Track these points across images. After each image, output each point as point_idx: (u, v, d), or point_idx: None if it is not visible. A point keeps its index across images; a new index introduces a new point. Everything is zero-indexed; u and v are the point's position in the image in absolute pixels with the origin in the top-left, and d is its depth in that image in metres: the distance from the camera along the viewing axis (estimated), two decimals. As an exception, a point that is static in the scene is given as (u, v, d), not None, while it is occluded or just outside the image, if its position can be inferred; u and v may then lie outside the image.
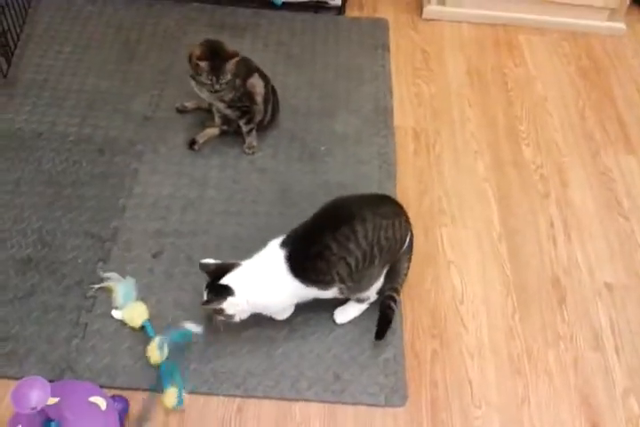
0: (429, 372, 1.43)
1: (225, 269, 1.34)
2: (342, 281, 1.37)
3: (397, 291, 1.49)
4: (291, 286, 1.34)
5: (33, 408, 1.10)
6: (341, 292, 1.41)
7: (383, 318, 1.45)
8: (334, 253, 1.32)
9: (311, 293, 1.38)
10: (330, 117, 1.97)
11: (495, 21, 2.36)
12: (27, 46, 2.10)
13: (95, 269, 1.54)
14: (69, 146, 1.80)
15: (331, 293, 1.40)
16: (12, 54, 2.03)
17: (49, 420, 1.19)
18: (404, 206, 1.48)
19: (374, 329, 1.45)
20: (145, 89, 1.99)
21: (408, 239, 1.45)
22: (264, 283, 1.34)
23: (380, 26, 2.31)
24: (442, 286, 1.59)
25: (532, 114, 2.06)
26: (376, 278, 1.43)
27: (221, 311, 1.32)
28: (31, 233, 1.60)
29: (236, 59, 1.63)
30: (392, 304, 1.47)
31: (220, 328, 1.39)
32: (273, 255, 1.35)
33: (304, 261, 1.34)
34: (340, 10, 2.34)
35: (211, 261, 1.37)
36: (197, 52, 1.62)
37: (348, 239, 1.32)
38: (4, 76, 1.98)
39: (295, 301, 1.42)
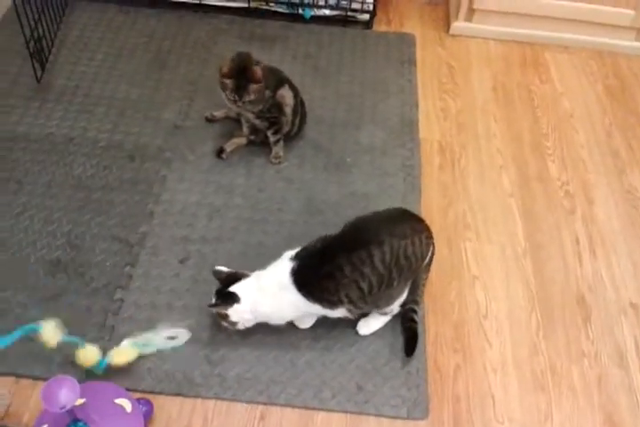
0: (452, 386, 1.44)
1: (236, 277, 1.39)
2: (351, 303, 1.37)
3: (417, 302, 1.51)
4: (293, 299, 1.36)
5: (62, 407, 1.12)
6: (350, 312, 1.41)
7: (409, 332, 1.47)
8: (346, 275, 1.32)
9: (316, 309, 1.39)
10: (355, 129, 2.00)
11: (522, 39, 2.40)
12: (60, 53, 2.16)
13: (123, 272, 1.57)
14: (100, 151, 1.85)
15: (338, 312, 1.40)
16: (47, 60, 2.10)
17: (76, 420, 1.22)
18: (428, 220, 1.50)
19: (396, 341, 1.47)
20: (175, 98, 2.04)
21: (430, 253, 1.47)
22: (268, 293, 1.37)
23: (406, 41, 2.35)
24: (466, 301, 1.60)
25: (558, 130, 2.08)
26: (397, 297, 1.44)
27: (226, 317, 1.37)
28: (60, 236, 1.63)
29: (260, 85, 1.66)
30: (414, 317, 1.49)
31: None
32: (281, 267, 1.37)
33: (312, 278, 1.34)
34: (368, 24, 2.38)
35: (224, 268, 1.42)
36: (225, 69, 1.66)
37: (363, 263, 1.32)
38: (38, 82, 2.04)
39: (300, 314, 1.43)
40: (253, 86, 1.66)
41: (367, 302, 1.38)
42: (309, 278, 1.34)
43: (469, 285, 1.63)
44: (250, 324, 1.41)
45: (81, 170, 1.80)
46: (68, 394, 1.13)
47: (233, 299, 1.36)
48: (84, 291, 1.53)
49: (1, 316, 1.46)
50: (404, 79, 2.19)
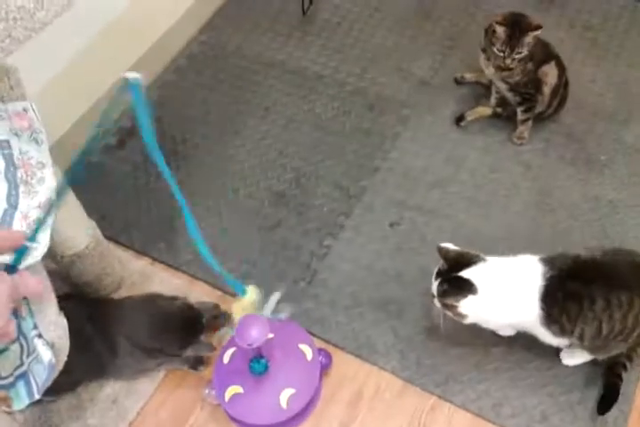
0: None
1: (467, 259, 1.07)
2: (580, 339, 1.08)
3: (631, 359, 1.18)
4: (526, 306, 1.06)
5: (249, 344, 1.07)
6: (569, 346, 1.14)
7: (610, 388, 1.16)
8: (595, 309, 1.02)
9: (536, 327, 1.09)
10: (621, 124, 1.59)
11: None
12: (330, -13, 1.99)
13: (336, 221, 1.45)
14: (344, 95, 1.69)
15: (556, 340, 1.11)
16: (317, -7, 1.94)
17: (260, 356, 1.17)
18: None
19: (599, 382, 1.18)
20: (429, 52, 1.77)
21: None
22: (506, 289, 1.06)
23: None
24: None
25: None
26: (616, 352, 1.14)
27: (453, 308, 1.08)
28: (290, 170, 1.55)
29: (538, 32, 1.36)
30: (622, 373, 1.17)
31: (442, 329, 1.15)
32: (530, 265, 1.07)
33: (557, 293, 1.03)
34: (673, 0, 1.83)
35: (450, 246, 1.11)
36: (499, 18, 1.38)
37: (620, 307, 1.02)
38: (304, 13, 1.90)
39: (515, 322, 1.14)
40: (530, 35, 1.36)
41: (594, 344, 1.09)
42: (555, 292, 1.04)
43: None
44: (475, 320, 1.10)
45: (322, 110, 1.66)
46: (257, 334, 1.07)
47: (468, 289, 1.04)
48: (299, 229, 1.44)
49: (222, 237, 1.42)
50: (701, 74, 1.67)
